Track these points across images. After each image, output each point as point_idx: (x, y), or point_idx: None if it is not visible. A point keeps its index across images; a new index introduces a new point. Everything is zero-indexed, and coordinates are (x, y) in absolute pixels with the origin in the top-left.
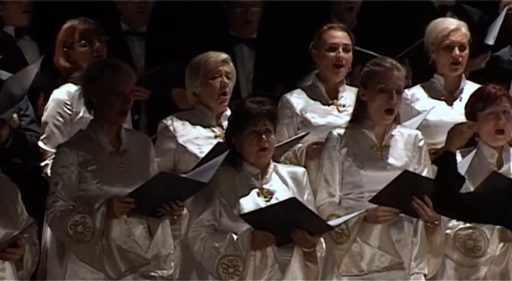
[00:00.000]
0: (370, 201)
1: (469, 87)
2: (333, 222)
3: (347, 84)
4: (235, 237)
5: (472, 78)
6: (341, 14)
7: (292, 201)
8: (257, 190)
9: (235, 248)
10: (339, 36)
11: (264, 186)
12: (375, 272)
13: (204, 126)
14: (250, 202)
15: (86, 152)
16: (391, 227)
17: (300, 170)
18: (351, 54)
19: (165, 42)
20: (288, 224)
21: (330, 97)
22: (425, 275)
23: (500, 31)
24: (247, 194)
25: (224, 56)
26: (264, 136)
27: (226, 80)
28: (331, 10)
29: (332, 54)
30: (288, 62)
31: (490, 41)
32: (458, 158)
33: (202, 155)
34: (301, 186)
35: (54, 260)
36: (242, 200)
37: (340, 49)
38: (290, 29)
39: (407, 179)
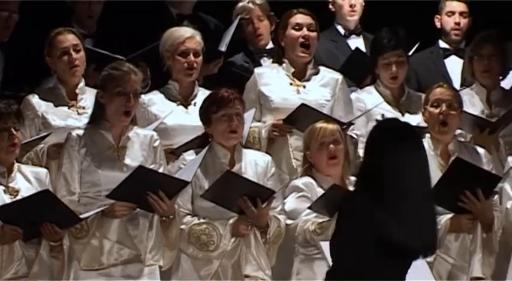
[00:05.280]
0: (107, 196)
1: (202, 93)
2: (83, 215)
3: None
4: None
5: (206, 83)
6: (82, 20)
7: (45, 193)
8: (3, 187)
9: None
10: (69, 39)
11: (10, 184)
12: (113, 265)
13: None
14: None
15: None
16: (127, 223)
17: (43, 170)
18: (82, 53)
19: None
20: (36, 217)
21: (70, 99)
22: (160, 267)
23: (234, 39)
24: None
25: None
26: (13, 132)
27: None
28: (71, 16)
29: (65, 57)
30: (36, 64)
31: (223, 47)
32: (192, 156)
33: None
34: (44, 185)
35: None
36: None
37: (71, 51)
38: (38, 32)
39: (141, 175)
